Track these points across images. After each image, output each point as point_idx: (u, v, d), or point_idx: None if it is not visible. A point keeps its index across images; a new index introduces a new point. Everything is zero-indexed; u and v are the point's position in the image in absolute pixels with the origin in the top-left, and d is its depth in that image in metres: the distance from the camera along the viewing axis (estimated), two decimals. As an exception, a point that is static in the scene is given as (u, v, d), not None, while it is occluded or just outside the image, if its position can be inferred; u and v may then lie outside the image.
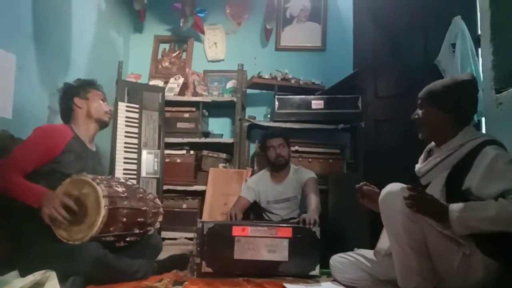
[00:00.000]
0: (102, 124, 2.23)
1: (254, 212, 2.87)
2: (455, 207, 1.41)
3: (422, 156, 1.78)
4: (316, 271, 2.08)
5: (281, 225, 2.20)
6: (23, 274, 1.65)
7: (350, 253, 1.97)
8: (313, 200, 2.48)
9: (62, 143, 1.99)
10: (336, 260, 1.98)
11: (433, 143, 1.74)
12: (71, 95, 2.17)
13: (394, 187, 1.54)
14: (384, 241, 1.76)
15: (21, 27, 2.39)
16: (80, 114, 2.16)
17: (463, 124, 1.63)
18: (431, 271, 1.46)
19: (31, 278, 1.50)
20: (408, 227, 1.45)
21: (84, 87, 2.21)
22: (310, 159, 3.27)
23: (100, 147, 2.32)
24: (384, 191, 1.56)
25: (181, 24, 3.81)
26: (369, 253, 1.87)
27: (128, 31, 4.03)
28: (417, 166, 1.75)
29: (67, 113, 2.17)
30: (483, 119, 2.75)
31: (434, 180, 1.63)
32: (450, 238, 1.44)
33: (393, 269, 1.54)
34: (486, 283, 1.42)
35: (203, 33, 3.97)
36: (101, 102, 2.22)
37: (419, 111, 1.71)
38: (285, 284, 1.88)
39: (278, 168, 2.80)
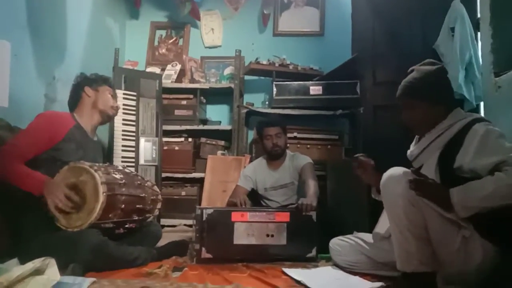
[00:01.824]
0: (105, 117, 2.26)
1: (252, 199, 2.87)
2: (455, 190, 1.41)
3: (413, 142, 1.79)
4: (313, 253, 2.13)
5: (279, 210, 2.23)
6: (23, 262, 1.65)
7: (349, 236, 1.99)
8: (311, 185, 2.48)
9: (64, 131, 2.00)
10: (336, 243, 2.00)
11: None
12: (82, 84, 2.21)
13: (396, 171, 1.54)
14: (382, 225, 1.77)
15: (15, 15, 2.36)
16: (87, 103, 2.18)
17: (451, 107, 1.65)
18: (430, 256, 1.47)
19: (31, 265, 1.50)
20: (409, 211, 1.46)
21: (97, 80, 2.26)
22: (308, 145, 3.27)
23: (98, 135, 2.32)
24: (386, 175, 1.56)
25: (178, 10, 3.76)
26: (368, 236, 1.88)
27: (124, 17, 3.99)
28: (409, 151, 1.76)
29: (75, 100, 2.20)
30: (481, 104, 2.75)
31: (426, 162, 1.64)
32: (450, 221, 1.44)
33: (392, 252, 1.54)
34: (484, 268, 1.43)
35: (199, 19, 3.93)
36: (110, 96, 2.26)
37: (409, 112, 1.70)
38: (283, 269, 1.90)
39: (274, 157, 2.79)
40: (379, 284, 1.64)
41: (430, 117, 1.65)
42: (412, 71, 1.74)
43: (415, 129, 1.74)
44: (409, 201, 1.46)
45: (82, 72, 2.30)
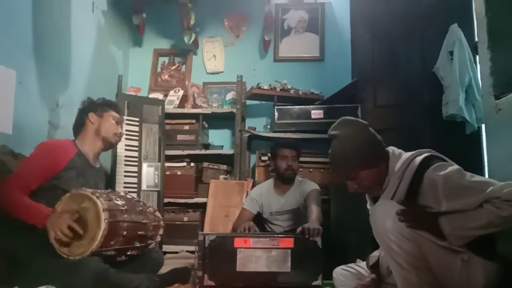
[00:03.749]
0: (108, 145, 2.24)
1: (256, 223, 2.84)
2: (445, 220, 1.41)
3: (368, 197, 1.77)
4: (319, 281, 2.06)
5: (282, 235, 2.18)
6: (23, 290, 1.63)
7: (351, 265, 1.95)
8: (314, 210, 2.45)
9: (65, 159, 1.99)
10: (339, 272, 1.96)
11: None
12: (88, 110, 2.20)
13: (382, 205, 1.53)
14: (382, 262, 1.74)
15: (21, 42, 2.41)
16: (90, 130, 2.17)
17: (385, 159, 1.62)
18: (432, 284, 1.44)
19: (31, 294, 1.48)
20: (403, 244, 1.43)
21: (103, 105, 2.24)
22: (311, 169, 3.26)
23: (101, 161, 2.32)
24: (373, 210, 1.55)
25: (184, 38, 3.83)
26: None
27: (127, 45, 4.06)
28: (369, 207, 1.74)
29: (79, 126, 2.19)
30: (483, 126, 2.75)
31: None
32: (446, 247, 1.42)
33: (395, 285, 1.52)
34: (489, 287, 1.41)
35: (197, 48, 4.03)
36: (115, 123, 2.24)
37: (353, 184, 1.65)
38: (288, 296, 1.86)
39: (285, 180, 2.76)
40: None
41: (376, 177, 1.61)
42: (333, 136, 1.68)
43: (366, 192, 1.73)
44: (401, 235, 1.43)
45: (89, 97, 2.29)
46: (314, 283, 2.06)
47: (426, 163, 1.51)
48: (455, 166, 1.48)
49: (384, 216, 1.48)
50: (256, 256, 2.07)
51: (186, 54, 4.06)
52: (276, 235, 2.21)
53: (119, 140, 2.31)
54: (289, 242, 2.09)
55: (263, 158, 3.34)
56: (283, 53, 3.98)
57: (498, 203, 1.34)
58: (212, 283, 2.02)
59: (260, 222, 2.78)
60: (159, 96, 3.72)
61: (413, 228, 1.42)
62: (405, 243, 1.42)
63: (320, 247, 2.09)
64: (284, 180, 2.77)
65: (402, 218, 1.42)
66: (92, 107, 2.21)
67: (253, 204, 2.74)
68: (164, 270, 2.22)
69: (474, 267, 1.41)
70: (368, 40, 3.56)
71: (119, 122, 2.28)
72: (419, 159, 1.53)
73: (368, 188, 1.66)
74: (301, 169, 3.21)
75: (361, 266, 1.89)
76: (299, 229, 2.17)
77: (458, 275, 1.42)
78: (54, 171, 1.94)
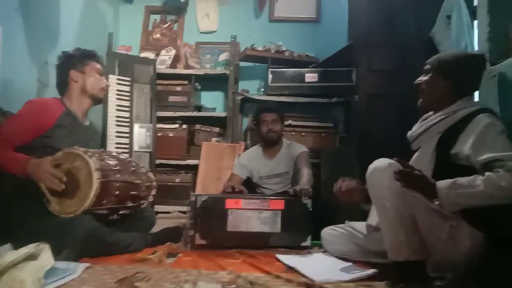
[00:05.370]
0: (96, 100, 2.20)
1: (247, 187, 2.87)
2: (443, 184, 1.41)
3: (416, 124, 1.78)
4: (308, 242, 2.13)
5: (273, 197, 2.22)
6: (16, 248, 1.65)
7: (341, 225, 1.99)
8: (305, 173, 2.48)
9: (53, 118, 1.96)
10: (327, 232, 2.01)
11: (428, 114, 1.74)
12: (67, 67, 2.11)
13: (380, 163, 1.54)
14: (373, 217, 1.78)
15: (6, -3, 2.31)
16: (75, 88, 2.11)
17: (463, 95, 1.64)
18: (420, 244, 1.48)
19: (25, 250, 1.49)
20: (396, 202, 1.47)
21: (82, 59, 2.14)
22: (303, 133, 3.27)
23: (92, 121, 2.29)
24: (371, 167, 1.57)
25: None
26: (360, 225, 1.88)
27: (117, 1, 3.92)
28: (410, 132, 1.76)
29: (62, 85, 2.13)
30: (477, 92, 2.75)
31: (425, 144, 1.64)
32: (437, 211, 1.45)
33: (383, 242, 1.56)
34: (472, 254, 1.45)
35: (186, 5, 3.90)
36: (98, 76, 2.16)
37: (424, 77, 1.70)
38: (277, 256, 1.91)
39: (270, 143, 2.78)
40: (372, 271, 1.66)
41: (443, 94, 1.64)
42: None
43: (420, 97, 1.74)
44: (396, 193, 1.46)
45: (64, 51, 2.18)
46: (303, 243, 2.13)
47: (485, 111, 1.53)
48: (504, 128, 1.49)
49: (380, 173, 1.51)
50: (246, 217, 2.11)
51: (179, 12, 3.94)
52: (267, 197, 2.25)
53: (106, 94, 2.25)
54: (280, 204, 2.14)
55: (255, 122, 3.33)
56: (279, 13, 3.87)
57: (501, 170, 1.34)
58: (203, 242, 2.07)
59: (251, 187, 2.81)
60: (151, 55, 3.63)
61: (408, 188, 1.45)
62: (398, 202, 1.46)
63: (310, 209, 2.14)
64: (268, 143, 2.79)
65: (398, 177, 1.44)
66: (70, 63, 2.11)
67: (242, 169, 2.77)
68: (156, 229, 2.26)
69: (462, 234, 1.44)
70: (365, 3, 3.48)
71: (102, 74, 2.19)
72: (482, 106, 1.58)
73: (430, 96, 1.69)
74: (293, 133, 3.23)
75: (350, 227, 1.93)
76: (290, 191, 2.21)
77: (444, 240, 1.46)
78: (41, 129, 1.91)
